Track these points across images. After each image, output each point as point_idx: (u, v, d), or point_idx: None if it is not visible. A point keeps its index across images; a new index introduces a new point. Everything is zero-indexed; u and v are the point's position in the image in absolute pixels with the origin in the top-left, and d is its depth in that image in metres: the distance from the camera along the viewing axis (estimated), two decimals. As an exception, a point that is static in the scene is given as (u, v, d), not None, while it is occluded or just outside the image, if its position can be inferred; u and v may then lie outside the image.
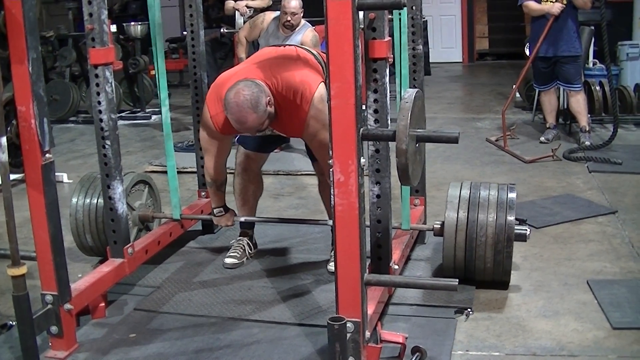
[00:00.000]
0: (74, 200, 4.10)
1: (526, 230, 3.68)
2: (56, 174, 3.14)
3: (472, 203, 3.68)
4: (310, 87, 3.51)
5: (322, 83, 3.51)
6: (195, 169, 4.85)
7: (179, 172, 4.67)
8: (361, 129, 2.63)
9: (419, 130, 2.79)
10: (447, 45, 13.94)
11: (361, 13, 2.76)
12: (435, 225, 3.80)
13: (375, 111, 3.04)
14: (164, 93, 4.12)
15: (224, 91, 3.48)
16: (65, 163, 6.94)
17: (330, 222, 3.52)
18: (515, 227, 3.62)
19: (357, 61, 2.56)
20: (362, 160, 2.64)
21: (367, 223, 3.06)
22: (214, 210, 4.09)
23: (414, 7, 3.97)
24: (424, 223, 4.33)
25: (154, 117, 9.35)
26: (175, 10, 13.89)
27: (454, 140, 2.76)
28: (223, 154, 3.86)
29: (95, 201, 4.07)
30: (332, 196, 2.66)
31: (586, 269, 3.98)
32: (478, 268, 3.67)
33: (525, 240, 3.70)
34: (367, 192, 3.03)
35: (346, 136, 2.59)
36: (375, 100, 3.04)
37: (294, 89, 3.53)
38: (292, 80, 3.54)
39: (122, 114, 9.24)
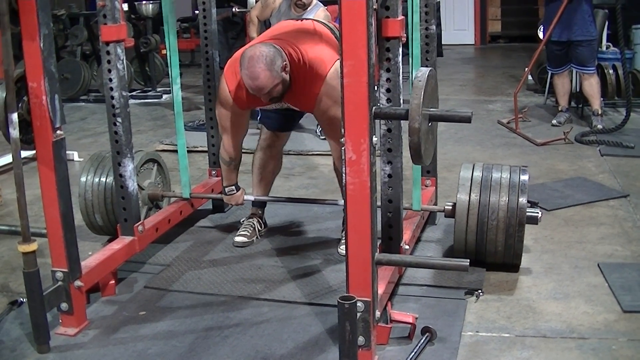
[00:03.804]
0: (83, 179, 4.09)
1: (538, 213, 3.66)
2: (67, 152, 3.13)
3: (484, 185, 3.65)
4: (325, 63, 3.50)
5: (338, 60, 3.50)
6: (205, 148, 4.85)
7: (189, 151, 4.67)
8: (373, 108, 2.62)
9: (431, 109, 2.77)
10: (459, 27, 13.86)
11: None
12: (446, 207, 3.78)
13: (388, 90, 3.02)
14: (175, 71, 4.12)
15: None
16: (76, 142, 6.95)
17: (341, 202, 3.52)
18: (527, 210, 3.60)
19: (370, 39, 2.54)
20: (374, 139, 2.62)
21: (378, 203, 3.05)
22: (225, 189, 4.08)
23: (427, -13, 3.95)
24: (435, 204, 4.33)
25: (164, 96, 9.34)
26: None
27: (467, 119, 2.74)
28: (240, 131, 3.86)
29: (105, 180, 4.07)
30: (343, 175, 2.64)
31: (597, 252, 3.97)
32: (489, 251, 3.65)
33: (537, 224, 3.69)
34: (379, 172, 3.02)
35: (358, 114, 2.57)
36: (388, 80, 3.02)
37: (309, 63, 3.52)
38: (308, 54, 3.54)
39: (133, 93, 9.24)
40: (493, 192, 3.62)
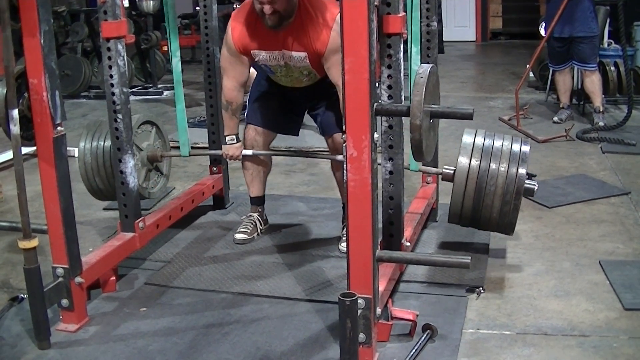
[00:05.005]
0: (82, 144, 4.10)
1: (535, 185, 3.61)
2: (67, 148, 3.13)
3: (485, 152, 3.59)
4: (329, 12, 3.62)
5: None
6: (207, 145, 4.83)
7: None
8: (375, 104, 2.61)
9: (433, 105, 2.76)
10: (460, 24, 13.85)
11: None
12: (445, 170, 3.72)
13: (389, 87, 3.01)
14: (174, 45, 4.31)
15: (249, 5, 3.71)
16: (77, 138, 6.85)
17: (340, 157, 3.53)
18: (525, 182, 3.56)
19: (371, 36, 2.53)
20: (376, 135, 2.62)
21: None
22: (226, 138, 4.09)
23: (428, -17, 3.94)
24: (437, 200, 4.32)
25: (165, 92, 9.34)
26: (188, -15, 13.81)
27: (469, 116, 2.73)
28: (239, 75, 3.93)
29: (102, 144, 4.06)
30: (344, 171, 2.64)
31: (598, 250, 3.96)
32: (484, 217, 3.59)
33: (533, 195, 3.63)
34: (380, 169, 3.01)
35: (360, 111, 2.56)
36: (389, 76, 3.01)
37: (318, 7, 3.64)
38: (317, 1, 3.67)
39: (134, 90, 9.22)
40: (494, 159, 3.55)
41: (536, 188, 3.61)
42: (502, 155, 3.57)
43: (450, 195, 3.64)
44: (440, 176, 3.81)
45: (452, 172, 3.65)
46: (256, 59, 3.84)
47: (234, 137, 4.07)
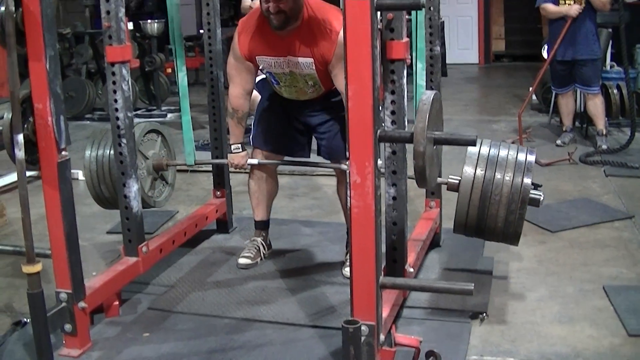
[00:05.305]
0: (87, 153, 4.10)
1: (540, 195, 3.59)
2: (72, 171, 3.14)
3: (490, 161, 3.57)
4: (334, 24, 3.61)
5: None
6: (210, 168, 4.84)
7: (193, 172, 4.66)
8: (378, 131, 2.62)
9: (436, 132, 2.77)
10: (463, 46, 13.88)
11: (379, 13, 2.74)
12: (450, 180, 3.69)
13: (393, 112, 3.02)
14: (180, 61, 4.33)
15: (257, 12, 3.75)
16: (81, 161, 6.89)
17: (344, 167, 3.52)
18: (531, 192, 3.54)
19: (375, 62, 2.54)
20: (379, 162, 2.62)
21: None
22: (231, 147, 4.10)
23: (431, 8, 3.95)
24: (440, 225, 4.31)
25: (169, 115, 9.36)
26: (192, 8, 13.86)
27: (472, 143, 2.74)
28: (245, 83, 3.95)
29: (108, 152, 4.06)
30: (348, 197, 2.64)
31: (602, 275, 3.95)
32: (489, 227, 3.54)
33: (538, 206, 3.59)
34: (383, 194, 3.01)
35: (363, 137, 2.57)
36: (393, 102, 3.02)
37: (324, 14, 3.64)
38: (323, 8, 3.67)
39: (138, 112, 9.24)
40: (499, 169, 3.53)
41: (542, 198, 3.58)
42: (507, 164, 3.55)
43: (455, 205, 3.62)
44: (445, 186, 3.78)
45: (457, 182, 3.63)
46: (261, 66, 3.85)
47: (240, 145, 4.08)
